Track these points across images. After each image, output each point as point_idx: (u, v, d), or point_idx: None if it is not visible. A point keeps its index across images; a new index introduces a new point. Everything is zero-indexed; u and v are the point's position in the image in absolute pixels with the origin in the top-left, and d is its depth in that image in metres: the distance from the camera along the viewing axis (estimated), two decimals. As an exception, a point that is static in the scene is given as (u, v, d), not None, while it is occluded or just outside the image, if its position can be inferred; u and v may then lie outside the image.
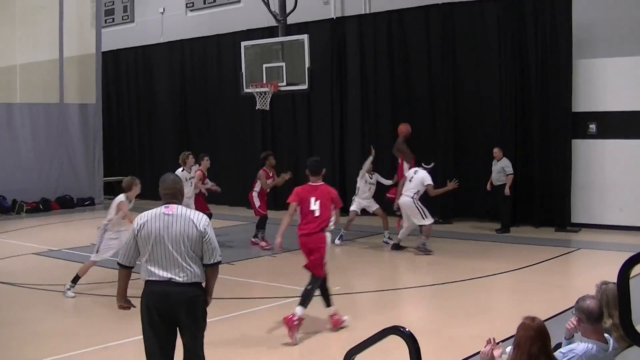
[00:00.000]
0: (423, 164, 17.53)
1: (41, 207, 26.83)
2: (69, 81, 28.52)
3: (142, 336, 7.09)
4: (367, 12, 23.87)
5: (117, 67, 31.51)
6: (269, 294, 13.17)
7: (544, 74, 20.47)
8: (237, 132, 26.86)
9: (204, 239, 6.87)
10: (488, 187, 20.20)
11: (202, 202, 17.91)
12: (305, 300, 10.41)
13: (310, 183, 10.96)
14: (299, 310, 10.27)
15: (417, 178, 16.86)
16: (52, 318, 12.14)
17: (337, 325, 10.79)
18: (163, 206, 7.04)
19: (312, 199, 10.69)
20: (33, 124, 27.48)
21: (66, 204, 27.48)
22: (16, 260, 17.07)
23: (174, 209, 6.97)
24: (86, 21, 29.42)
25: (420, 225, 17.08)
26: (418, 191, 16.73)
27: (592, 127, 20.09)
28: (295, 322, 10.16)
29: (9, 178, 26.15)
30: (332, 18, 24.44)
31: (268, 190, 18.33)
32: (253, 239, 18.37)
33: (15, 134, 27.02)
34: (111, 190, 26.74)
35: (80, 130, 28.69)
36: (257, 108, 21.71)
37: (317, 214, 10.66)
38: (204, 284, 7.04)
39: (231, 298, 12.65)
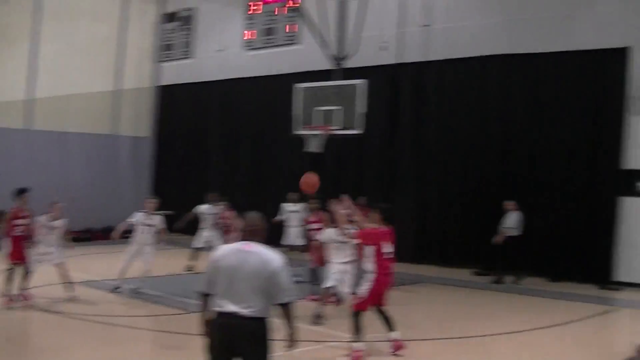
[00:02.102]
0: None
1: (86, 236, 26.82)
2: (124, 113, 28.77)
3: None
4: (426, 60, 23.80)
5: (173, 102, 31.73)
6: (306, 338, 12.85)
7: (596, 128, 20.58)
8: (288, 173, 26.66)
9: (275, 279, 7.05)
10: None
11: None
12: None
13: (379, 227, 11.79)
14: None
15: None
16: (89, 347, 12.18)
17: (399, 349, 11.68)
18: (242, 243, 7.27)
19: (387, 243, 11.75)
20: (85, 153, 27.83)
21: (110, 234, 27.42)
22: (58, 288, 16.91)
23: (252, 246, 7.20)
24: (146, 55, 29.67)
25: None
26: None
27: (642, 185, 19.93)
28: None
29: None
30: (390, 64, 24.41)
31: None
32: None
33: (67, 162, 27.29)
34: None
35: (131, 162, 28.98)
36: (306, 150, 21.52)
37: (391, 255, 11.83)
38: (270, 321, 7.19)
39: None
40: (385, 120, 24.37)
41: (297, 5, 25.68)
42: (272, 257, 7.12)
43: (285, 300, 7.09)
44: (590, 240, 20.41)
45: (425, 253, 22.66)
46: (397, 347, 11.62)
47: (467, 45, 22.95)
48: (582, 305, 17.19)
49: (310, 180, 14.28)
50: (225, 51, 29.96)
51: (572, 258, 20.62)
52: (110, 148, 28.50)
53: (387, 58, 24.70)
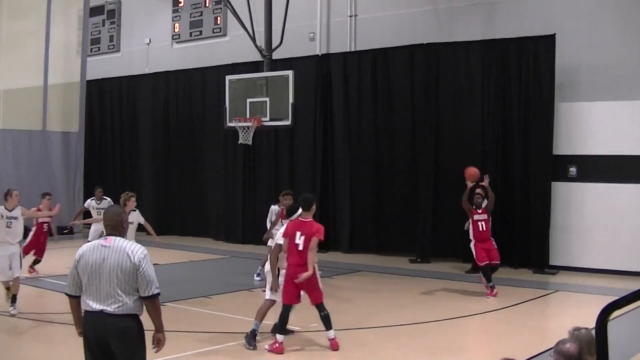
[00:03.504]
0: None
1: (19, 234, 26.52)
2: (53, 109, 28.44)
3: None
4: (353, 49, 24.11)
5: (101, 96, 31.49)
6: (246, 329, 13.07)
7: (526, 116, 20.62)
8: (219, 165, 26.89)
9: (138, 272, 6.85)
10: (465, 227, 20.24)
11: None
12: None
13: (300, 218, 11.76)
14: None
15: None
16: (22, 346, 12.07)
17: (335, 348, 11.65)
18: (102, 238, 7.09)
19: (298, 234, 11.50)
20: (15, 150, 27.37)
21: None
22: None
23: (112, 240, 7.00)
24: (72, 49, 29.37)
25: None
26: None
27: (573, 170, 20.25)
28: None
29: (-12, 204, 25.98)
30: (318, 55, 24.66)
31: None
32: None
33: (-4, 160, 26.93)
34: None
35: (62, 158, 28.54)
36: (239, 142, 21.65)
37: (300, 248, 11.43)
38: (140, 316, 7.04)
39: (204, 332, 12.63)
40: (316, 111, 24.43)
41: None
42: (133, 249, 6.92)
43: (149, 293, 6.89)
44: (526, 226, 20.63)
45: (361, 242, 22.86)
46: (334, 346, 11.65)
47: (393, 35, 23.09)
48: (518, 290, 17.33)
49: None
50: (152, 44, 29.99)
51: (507, 244, 20.53)
52: (40, 144, 28.13)
53: (315, 49, 24.99)
